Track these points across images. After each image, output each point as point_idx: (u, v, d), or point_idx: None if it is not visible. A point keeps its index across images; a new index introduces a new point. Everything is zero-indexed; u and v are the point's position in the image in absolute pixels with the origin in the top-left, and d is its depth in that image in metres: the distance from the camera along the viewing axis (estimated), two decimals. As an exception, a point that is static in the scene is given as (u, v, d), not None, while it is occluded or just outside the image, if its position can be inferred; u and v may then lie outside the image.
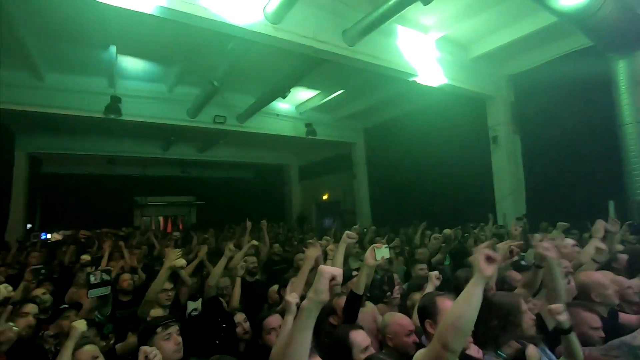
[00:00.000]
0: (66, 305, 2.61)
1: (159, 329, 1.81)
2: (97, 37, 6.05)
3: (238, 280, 2.92)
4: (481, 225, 6.56)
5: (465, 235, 5.86)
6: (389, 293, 2.50)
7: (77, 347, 1.79)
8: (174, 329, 1.85)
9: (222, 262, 2.94)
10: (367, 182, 11.51)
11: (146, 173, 14.79)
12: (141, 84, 8.04)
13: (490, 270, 1.21)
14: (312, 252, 2.40)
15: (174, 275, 2.93)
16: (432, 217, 8.25)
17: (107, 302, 2.56)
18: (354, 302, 2.03)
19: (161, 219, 16.65)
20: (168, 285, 2.69)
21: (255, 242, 4.28)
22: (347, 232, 2.60)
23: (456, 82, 7.05)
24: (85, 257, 3.75)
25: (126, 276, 3.21)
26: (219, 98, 8.20)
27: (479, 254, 1.23)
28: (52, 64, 6.99)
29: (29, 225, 11.52)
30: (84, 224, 14.07)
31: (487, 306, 1.95)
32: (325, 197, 13.91)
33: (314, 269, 2.63)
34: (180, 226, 16.34)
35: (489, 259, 1.22)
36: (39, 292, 3.02)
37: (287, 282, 2.63)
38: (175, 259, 2.70)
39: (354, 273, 2.59)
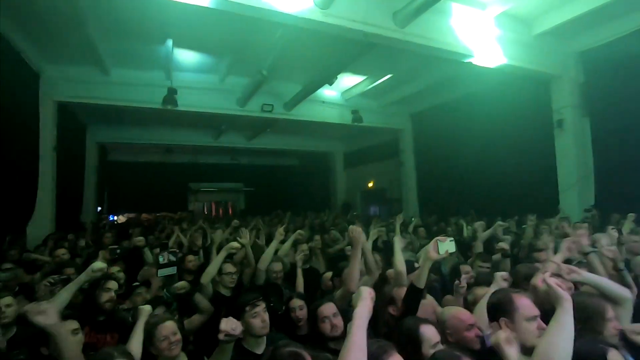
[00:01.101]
0: (137, 283, 2.85)
1: (247, 308, 1.94)
2: (156, 32, 6.39)
3: (299, 271, 3.00)
4: (547, 221, 6.07)
5: (523, 227, 5.47)
6: (456, 282, 2.39)
7: (160, 322, 1.93)
8: (261, 307, 1.97)
9: (273, 246, 3.02)
10: (414, 170, 11.17)
11: (199, 161, 15.58)
12: (195, 76, 8.41)
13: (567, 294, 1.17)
14: (357, 234, 2.38)
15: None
16: (484, 207, 7.85)
17: (174, 281, 2.76)
18: (415, 295, 1.99)
19: (212, 204, 17.56)
20: (231, 269, 2.83)
21: (302, 233, 4.29)
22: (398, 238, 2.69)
23: (517, 61, 6.52)
24: (140, 239, 4.00)
25: (191, 257, 3.45)
26: (267, 87, 8.34)
27: (549, 282, 1.21)
28: (117, 59, 7.52)
29: (99, 208, 12.73)
30: (145, 208, 15.32)
31: None
32: (370, 184, 13.76)
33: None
34: (230, 212, 17.14)
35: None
36: (114, 269, 3.33)
37: (341, 271, 2.65)
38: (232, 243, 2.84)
39: (416, 265, 2.55)
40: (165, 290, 2.68)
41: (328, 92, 9.76)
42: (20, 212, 6.67)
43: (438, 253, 2.02)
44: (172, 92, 7.82)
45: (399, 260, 2.53)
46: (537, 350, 1.27)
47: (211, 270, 2.72)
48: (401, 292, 2.09)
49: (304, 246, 4.01)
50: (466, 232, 5.80)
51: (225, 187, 16.91)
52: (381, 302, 2.12)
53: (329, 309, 2.02)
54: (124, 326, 2.42)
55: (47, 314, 1.54)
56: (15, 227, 6.34)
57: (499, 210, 7.09)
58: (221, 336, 1.54)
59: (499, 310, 1.62)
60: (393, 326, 2.00)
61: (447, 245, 2.02)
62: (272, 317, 2.27)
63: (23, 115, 6.60)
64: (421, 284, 2.01)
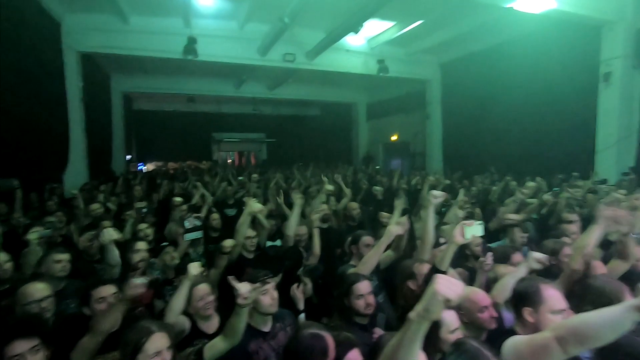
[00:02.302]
0: (166, 243, 3.02)
1: (257, 284, 1.96)
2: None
3: (316, 232, 3.01)
4: (574, 176, 5.79)
5: (555, 189, 5.24)
6: (481, 258, 2.27)
7: (195, 283, 2.03)
8: (271, 285, 1.98)
9: (296, 212, 3.06)
10: (440, 123, 10.75)
11: (221, 110, 15.55)
12: (214, 22, 8.07)
13: None
14: (395, 229, 2.28)
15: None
16: (514, 166, 7.57)
17: (200, 242, 2.92)
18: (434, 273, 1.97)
19: (235, 154, 17.84)
20: (250, 233, 2.92)
21: (330, 187, 4.24)
22: (432, 192, 2.41)
23: (568, 6, 5.83)
24: (178, 200, 4.17)
25: (215, 215, 3.58)
26: (289, 34, 7.93)
27: None
28: (135, 6, 7.27)
29: (128, 157, 13.22)
30: (171, 157, 15.79)
31: (583, 289, 1.79)
32: (394, 137, 13.45)
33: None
34: (253, 161, 17.42)
35: None
36: (142, 226, 3.53)
37: (358, 239, 2.65)
38: (253, 203, 2.89)
39: (441, 240, 2.50)
40: (192, 249, 2.82)
41: (352, 40, 9.20)
42: (55, 162, 7.02)
43: (464, 237, 1.93)
44: (192, 41, 7.60)
45: (430, 232, 2.39)
46: (576, 319, 1.24)
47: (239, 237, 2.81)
48: (423, 268, 2.09)
49: (324, 206, 4.04)
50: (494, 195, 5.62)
51: (248, 137, 17.01)
52: (401, 274, 2.15)
53: (365, 286, 1.95)
54: (156, 283, 2.62)
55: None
56: (52, 176, 6.71)
57: (529, 170, 6.84)
58: (240, 300, 1.59)
59: (524, 299, 1.58)
60: (411, 301, 2.03)
61: (474, 229, 1.94)
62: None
63: (48, 67, 6.65)
64: (443, 267, 1.97)
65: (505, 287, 1.87)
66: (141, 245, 2.62)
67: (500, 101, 8.62)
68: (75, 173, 7.46)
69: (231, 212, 5.24)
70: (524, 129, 8.09)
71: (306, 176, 7.98)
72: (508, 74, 8.35)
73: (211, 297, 2.07)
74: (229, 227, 3.67)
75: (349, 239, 2.81)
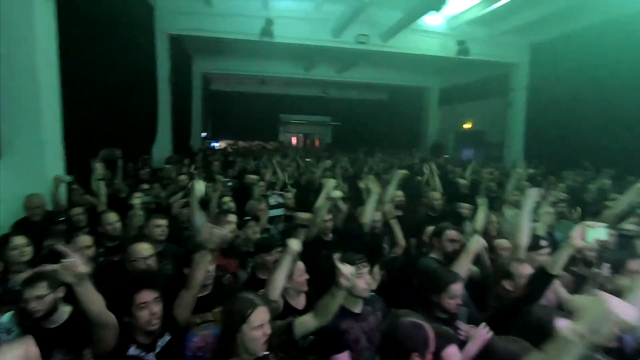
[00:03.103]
0: (249, 218, 3.19)
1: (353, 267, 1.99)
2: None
3: (394, 222, 2.95)
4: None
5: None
6: (595, 270, 2.07)
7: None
8: (366, 269, 2.01)
9: (373, 199, 3.01)
10: (524, 111, 9.75)
11: (290, 92, 15.86)
12: (291, 3, 8.15)
13: None
14: (475, 246, 2.16)
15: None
16: (609, 162, 6.63)
17: (280, 219, 3.02)
18: (544, 281, 1.78)
19: (301, 136, 18.20)
20: (327, 216, 2.95)
21: (404, 172, 4.11)
22: (529, 190, 2.29)
23: None
24: (253, 178, 4.35)
25: (289, 195, 3.69)
26: (364, 15, 7.70)
27: None
28: (219, -12, 7.60)
29: (203, 134, 14.19)
30: (241, 136, 16.62)
31: None
32: (467, 125, 12.58)
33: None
34: (317, 144, 17.65)
35: None
36: (227, 199, 3.76)
37: (442, 232, 2.52)
38: (332, 187, 2.90)
39: (542, 243, 2.29)
40: (272, 226, 2.93)
41: (431, 20, 8.66)
42: (146, 136, 7.76)
43: (585, 240, 1.72)
44: (269, 23, 7.75)
45: (524, 231, 2.25)
46: None
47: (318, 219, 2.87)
48: (522, 269, 1.92)
49: (398, 192, 3.92)
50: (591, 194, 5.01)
51: (314, 120, 17.20)
52: (496, 273, 2.00)
53: (459, 288, 1.90)
54: (240, 253, 2.78)
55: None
56: (143, 149, 7.45)
57: (630, 168, 5.95)
58: (344, 281, 1.59)
59: None
60: (506, 303, 1.89)
61: (597, 233, 1.71)
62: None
63: (143, 48, 7.27)
64: (554, 270, 1.79)
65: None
66: (232, 217, 2.78)
67: (601, 89, 7.52)
68: (161, 147, 8.19)
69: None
70: (628, 122, 7.00)
71: (376, 162, 7.82)
72: (613, 58, 7.21)
73: (306, 276, 2.13)
74: (301, 207, 3.78)
75: (432, 230, 2.69)
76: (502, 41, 9.32)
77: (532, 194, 2.34)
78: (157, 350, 1.70)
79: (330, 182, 2.85)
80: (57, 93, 3.82)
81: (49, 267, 1.50)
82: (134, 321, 1.62)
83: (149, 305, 1.61)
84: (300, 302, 2.14)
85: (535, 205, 4.08)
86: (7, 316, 2.00)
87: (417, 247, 3.07)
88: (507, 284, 1.92)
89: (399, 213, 3.94)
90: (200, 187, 2.52)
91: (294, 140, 18.23)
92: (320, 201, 2.85)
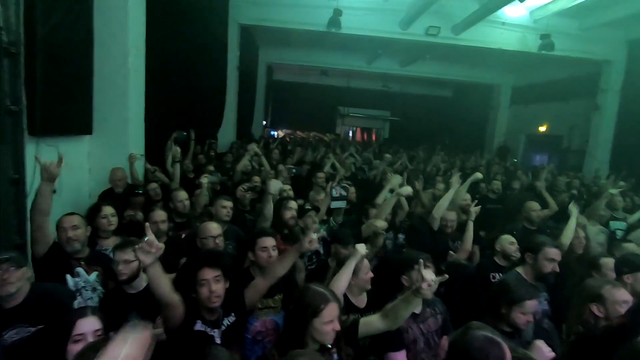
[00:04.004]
0: (309, 207, 3.22)
1: (416, 266, 1.92)
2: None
3: (470, 225, 2.79)
4: None
5: None
6: None
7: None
8: (430, 270, 1.92)
9: (450, 194, 2.88)
10: (615, 116, 8.64)
11: (350, 85, 15.73)
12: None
13: None
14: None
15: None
16: None
17: (341, 212, 3.00)
18: None
19: (358, 129, 18.01)
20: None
21: (480, 176, 3.80)
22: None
23: None
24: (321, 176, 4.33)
25: (353, 188, 3.66)
26: (437, 5, 7.31)
27: None
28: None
29: (264, 122, 14.65)
30: (299, 126, 16.88)
31: None
32: (542, 128, 11.49)
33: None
34: (374, 138, 17.35)
35: None
36: (287, 187, 3.83)
37: (540, 248, 2.26)
38: (398, 184, 2.80)
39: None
40: (331, 217, 2.91)
41: (511, 11, 7.96)
42: (214, 121, 8.19)
43: None
44: (337, 13, 7.68)
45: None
46: None
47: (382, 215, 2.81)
48: (618, 294, 1.68)
49: (467, 195, 3.69)
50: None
51: (372, 114, 16.89)
52: (583, 295, 1.78)
53: (535, 305, 1.79)
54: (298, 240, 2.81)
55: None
56: (211, 133, 7.87)
57: None
58: (425, 286, 1.53)
59: None
60: (594, 330, 1.67)
61: None
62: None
63: (216, 37, 7.63)
64: None
65: None
66: (292, 204, 2.82)
67: None
68: (226, 133, 8.59)
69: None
70: None
71: (438, 160, 7.48)
72: None
73: (370, 274, 2.10)
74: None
75: (505, 238, 2.49)
76: (594, 36, 8.31)
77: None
78: (223, 328, 1.77)
79: (396, 178, 2.75)
80: (143, 76, 4.15)
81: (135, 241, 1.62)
82: (198, 297, 1.69)
83: (209, 282, 1.66)
84: (362, 300, 2.11)
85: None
86: (93, 275, 2.23)
87: (482, 255, 2.87)
88: (596, 309, 1.69)
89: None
90: (275, 185, 2.56)
91: (355, 134, 18.09)
92: (382, 197, 2.78)
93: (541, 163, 10.49)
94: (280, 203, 2.85)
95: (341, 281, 1.89)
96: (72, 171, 3.46)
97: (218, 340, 1.70)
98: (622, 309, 1.63)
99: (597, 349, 1.42)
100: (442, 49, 9.33)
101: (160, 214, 2.68)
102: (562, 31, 8.07)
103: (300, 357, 1.14)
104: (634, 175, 7.14)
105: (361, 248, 1.96)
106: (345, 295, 2.07)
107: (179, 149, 4.05)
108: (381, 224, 2.61)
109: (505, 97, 12.98)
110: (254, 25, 8.97)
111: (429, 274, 1.52)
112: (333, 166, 5.42)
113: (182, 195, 3.09)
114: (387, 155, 6.16)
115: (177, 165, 3.91)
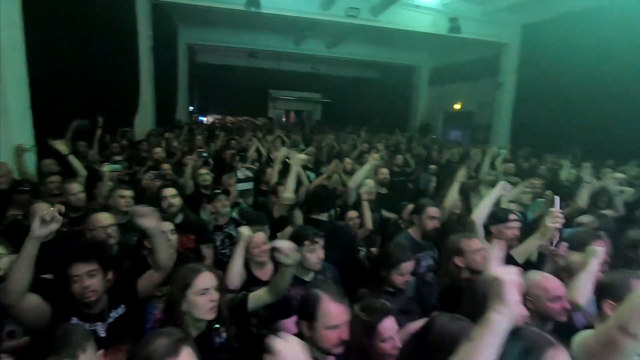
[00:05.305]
0: (219, 191, 3.15)
1: (307, 242, 2.00)
2: None
3: (366, 205, 2.93)
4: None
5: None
6: (552, 247, 2.05)
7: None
8: (319, 245, 2.03)
9: (366, 169, 3.15)
10: (514, 94, 9.70)
11: (279, 67, 15.50)
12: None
13: None
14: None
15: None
16: (593, 147, 6.69)
17: (250, 194, 2.99)
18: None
19: (292, 113, 17.94)
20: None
21: (377, 157, 4.04)
22: (503, 183, 2.39)
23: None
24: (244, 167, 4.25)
25: (270, 170, 3.64)
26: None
27: None
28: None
29: (190, 108, 13.88)
30: (229, 111, 16.30)
31: None
32: (457, 106, 12.51)
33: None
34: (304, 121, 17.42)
35: None
36: (203, 171, 3.71)
37: (422, 209, 2.49)
38: (283, 156, 2.90)
39: (511, 217, 2.32)
40: (242, 200, 2.90)
41: (424, -5, 8.42)
42: (127, 108, 7.54)
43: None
44: (256, -8, 7.44)
45: (481, 210, 2.30)
46: (632, 298, 1.12)
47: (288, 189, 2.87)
48: (473, 244, 1.92)
49: (384, 170, 3.94)
50: (565, 175, 5.08)
51: (304, 96, 16.91)
52: (447, 250, 2.01)
53: (410, 267, 1.95)
54: (202, 229, 2.76)
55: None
56: (125, 121, 7.25)
57: (613, 153, 6.03)
58: (282, 257, 1.57)
59: (608, 291, 1.48)
60: (457, 279, 1.92)
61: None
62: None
63: (122, 14, 6.94)
64: (521, 260, 1.89)
65: (581, 287, 1.67)
66: (168, 192, 2.74)
67: (591, 73, 7.47)
68: (144, 119, 7.97)
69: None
70: (616, 108, 7.01)
71: (361, 141, 7.78)
72: (607, 41, 7.13)
73: (266, 246, 2.13)
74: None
75: (411, 207, 2.70)
76: (495, 20, 9.14)
77: (500, 186, 2.42)
78: (110, 320, 1.69)
79: (282, 151, 2.86)
80: (23, 56, 3.63)
81: None
82: (72, 293, 1.58)
83: (81, 278, 1.57)
84: (266, 273, 2.16)
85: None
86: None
87: (395, 225, 3.11)
88: (458, 260, 1.93)
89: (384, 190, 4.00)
90: (245, 232, 2.30)
91: (291, 117, 17.95)
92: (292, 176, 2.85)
93: (455, 138, 11.46)
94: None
95: (233, 265, 1.96)
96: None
97: (102, 334, 1.62)
98: (478, 257, 1.89)
99: (459, 298, 1.63)
100: (364, 30, 9.57)
101: (43, 206, 2.43)
102: (467, 15, 8.73)
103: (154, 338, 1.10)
104: (531, 145, 8.11)
105: (244, 230, 2.04)
106: (249, 271, 2.12)
107: (63, 143, 3.61)
108: (287, 195, 2.68)
109: (425, 77, 13.82)
110: (168, 2, 8.32)
111: (286, 244, 1.57)
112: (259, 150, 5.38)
113: (75, 188, 2.84)
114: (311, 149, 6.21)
115: (71, 158, 3.51)
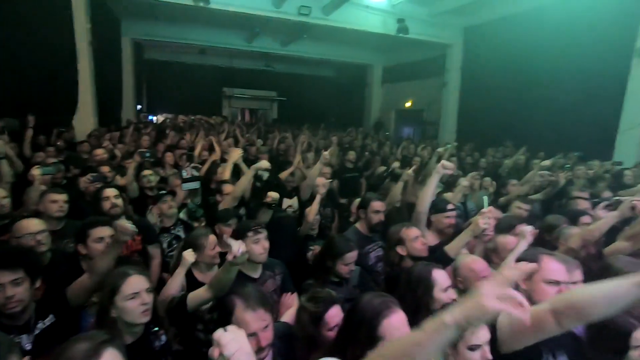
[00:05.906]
0: (165, 192, 3.03)
1: (250, 233, 1.98)
2: None
3: (318, 198, 2.90)
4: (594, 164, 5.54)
5: (566, 166, 5.06)
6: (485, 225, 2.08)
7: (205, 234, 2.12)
8: (263, 235, 2.01)
9: (318, 167, 3.13)
10: (458, 92, 10.31)
11: (233, 65, 15.15)
12: (227, -33, 7.62)
13: None
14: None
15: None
16: (531, 141, 7.29)
17: (197, 193, 2.91)
18: (443, 261, 1.87)
19: (246, 111, 17.60)
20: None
21: (327, 155, 4.11)
22: (443, 162, 2.37)
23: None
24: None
25: (222, 169, 3.56)
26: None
27: None
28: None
29: (138, 107, 13.15)
30: (182, 110, 15.62)
31: (602, 269, 1.75)
32: (407, 104, 13.02)
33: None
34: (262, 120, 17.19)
35: None
36: (147, 172, 3.54)
37: (367, 203, 2.60)
38: (236, 157, 2.90)
39: (449, 207, 2.46)
40: (190, 200, 2.82)
41: (374, -5, 8.66)
42: (64, 106, 6.99)
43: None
44: (203, -14, 7.22)
45: (424, 198, 2.40)
46: (572, 294, 1.24)
47: (239, 189, 2.85)
48: (411, 232, 2.05)
49: (326, 168, 3.99)
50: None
51: (259, 94, 16.67)
52: (389, 240, 2.12)
53: (354, 257, 2.01)
54: (147, 229, 2.66)
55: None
56: (62, 121, 6.73)
57: (547, 146, 6.61)
58: (230, 257, 1.57)
59: None
60: (399, 266, 2.02)
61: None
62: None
63: (54, 6, 6.43)
64: (453, 255, 1.97)
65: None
66: (109, 192, 2.61)
67: (525, 73, 8.15)
68: (85, 119, 7.44)
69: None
70: (548, 103, 7.72)
71: (317, 139, 7.85)
72: (537, 44, 7.82)
73: (217, 249, 2.11)
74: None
75: (358, 201, 2.79)
76: (440, 22, 9.62)
77: (442, 167, 2.42)
78: (37, 332, 1.58)
79: (235, 152, 2.86)
80: None
81: None
82: None
83: (4, 287, 1.45)
84: (209, 277, 2.10)
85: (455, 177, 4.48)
86: None
87: (344, 218, 3.21)
88: (400, 250, 2.05)
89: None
90: (190, 256, 2.06)
91: (244, 115, 17.56)
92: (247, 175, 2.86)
93: (407, 135, 11.94)
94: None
95: (169, 290, 1.90)
96: None
97: (28, 346, 1.51)
98: (417, 244, 2.01)
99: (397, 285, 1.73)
100: (317, 29, 9.63)
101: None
102: (414, 17, 9.11)
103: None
104: (475, 140, 8.66)
105: (188, 255, 1.98)
106: (191, 274, 2.06)
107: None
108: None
109: (378, 76, 14.22)
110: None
111: (236, 245, 1.55)
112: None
113: (-1, 193, 2.59)
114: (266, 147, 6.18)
115: (3, 162, 3.19)
